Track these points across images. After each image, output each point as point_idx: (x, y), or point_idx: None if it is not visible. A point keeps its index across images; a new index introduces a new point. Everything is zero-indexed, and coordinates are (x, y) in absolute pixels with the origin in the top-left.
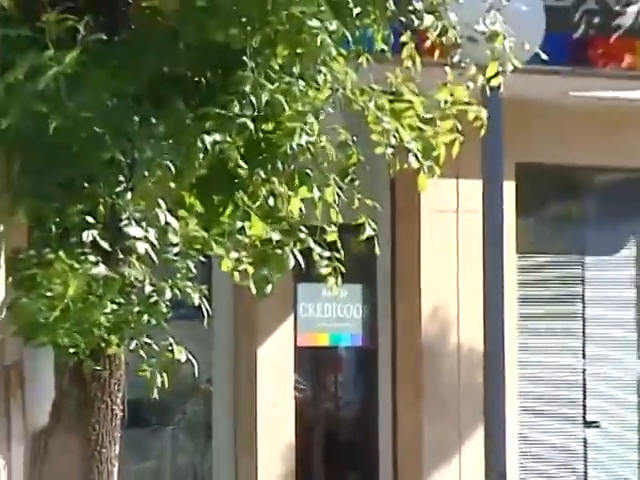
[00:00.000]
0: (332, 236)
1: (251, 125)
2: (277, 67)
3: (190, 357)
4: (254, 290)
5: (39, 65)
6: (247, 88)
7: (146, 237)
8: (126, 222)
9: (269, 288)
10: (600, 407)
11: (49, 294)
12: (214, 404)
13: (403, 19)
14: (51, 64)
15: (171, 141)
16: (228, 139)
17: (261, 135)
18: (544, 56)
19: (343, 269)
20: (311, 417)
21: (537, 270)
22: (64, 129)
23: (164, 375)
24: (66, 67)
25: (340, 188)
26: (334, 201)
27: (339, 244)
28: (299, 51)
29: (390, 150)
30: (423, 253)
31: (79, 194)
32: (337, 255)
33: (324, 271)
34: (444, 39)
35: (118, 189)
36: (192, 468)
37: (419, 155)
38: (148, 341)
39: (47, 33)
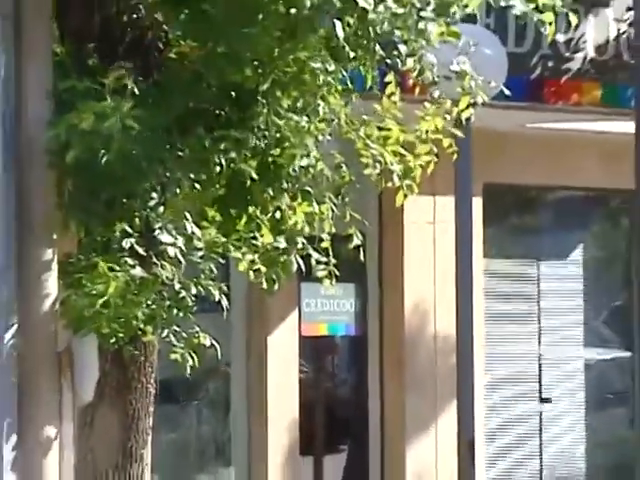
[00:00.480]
0: (326, 244)
1: (262, 144)
2: (285, 105)
3: (214, 342)
4: (265, 286)
5: (100, 112)
6: (260, 122)
7: (175, 243)
8: (159, 231)
9: (275, 287)
10: (553, 386)
11: (93, 292)
12: (232, 383)
13: (389, 61)
14: (111, 113)
15: (195, 162)
16: (241, 159)
17: (270, 159)
18: (507, 92)
19: (337, 272)
20: (312, 394)
21: (500, 271)
22: (110, 158)
23: (194, 356)
24: (124, 116)
25: (334, 204)
26: (329, 215)
27: (335, 250)
28: (303, 88)
29: (376, 171)
30: (405, 257)
31: (120, 209)
32: (332, 260)
33: (320, 274)
34: (423, 78)
35: (152, 204)
36: (213, 437)
37: (400, 176)
38: (177, 329)
39: (107, 87)
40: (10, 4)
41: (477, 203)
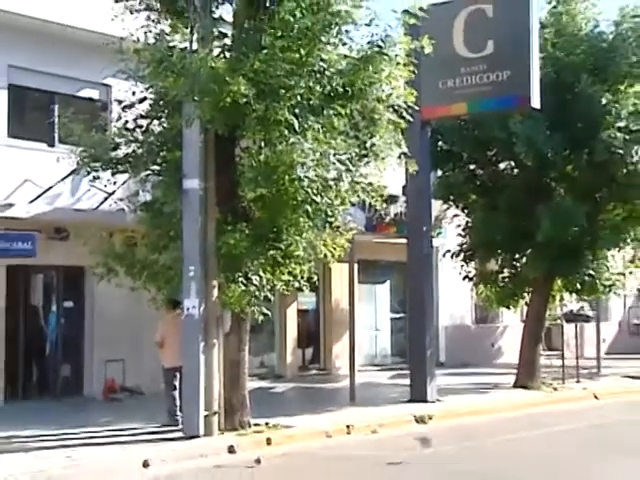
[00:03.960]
0: (305, 279)
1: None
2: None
3: (268, 312)
4: (286, 293)
5: (235, 239)
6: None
7: (257, 280)
8: (252, 277)
9: (290, 293)
10: (380, 326)
11: (230, 295)
12: (274, 325)
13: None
14: (240, 237)
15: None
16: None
17: (290, 253)
18: (363, 229)
19: (309, 288)
20: (301, 329)
21: (365, 290)
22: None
23: (261, 316)
24: (241, 240)
25: (309, 267)
26: (307, 270)
27: (310, 281)
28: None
29: (322, 255)
30: (332, 283)
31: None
32: (307, 284)
33: (304, 289)
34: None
35: (255, 269)
36: (268, 342)
37: (331, 258)
38: (258, 308)
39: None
40: (202, 200)
41: (355, 267)
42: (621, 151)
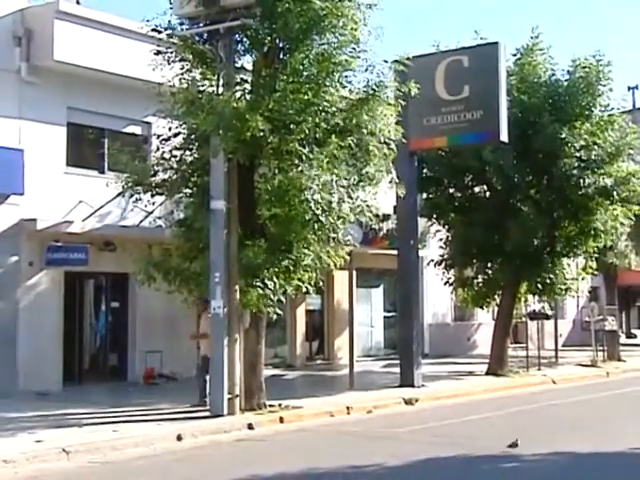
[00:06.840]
0: (313, 285)
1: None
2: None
3: (280, 312)
4: (294, 297)
5: (252, 252)
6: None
7: (271, 286)
8: (266, 282)
9: (299, 297)
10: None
11: (250, 297)
12: (286, 323)
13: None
14: (249, 247)
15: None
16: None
17: (299, 261)
18: (357, 244)
19: (315, 291)
20: (309, 326)
21: (360, 292)
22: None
23: (275, 315)
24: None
25: (315, 275)
26: (314, 276)
27: (316, 286)
28: (308, 246)
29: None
30: (334, 286)
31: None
32: (313, 288)
33: (311, 292)
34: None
35: (270, 275)
36: (282, 336)
37: (333, 267)
38: (271, 309)
39: (255, 243)
40: (225, 215)
41: (354, 274)
42: (575, 175)
